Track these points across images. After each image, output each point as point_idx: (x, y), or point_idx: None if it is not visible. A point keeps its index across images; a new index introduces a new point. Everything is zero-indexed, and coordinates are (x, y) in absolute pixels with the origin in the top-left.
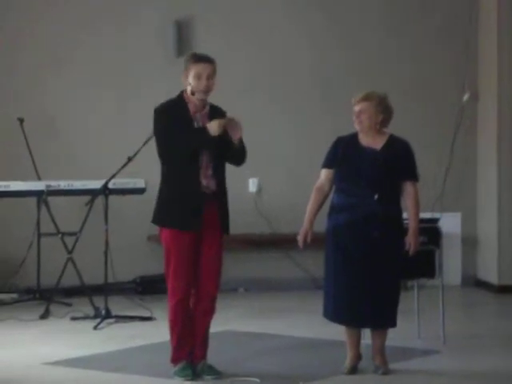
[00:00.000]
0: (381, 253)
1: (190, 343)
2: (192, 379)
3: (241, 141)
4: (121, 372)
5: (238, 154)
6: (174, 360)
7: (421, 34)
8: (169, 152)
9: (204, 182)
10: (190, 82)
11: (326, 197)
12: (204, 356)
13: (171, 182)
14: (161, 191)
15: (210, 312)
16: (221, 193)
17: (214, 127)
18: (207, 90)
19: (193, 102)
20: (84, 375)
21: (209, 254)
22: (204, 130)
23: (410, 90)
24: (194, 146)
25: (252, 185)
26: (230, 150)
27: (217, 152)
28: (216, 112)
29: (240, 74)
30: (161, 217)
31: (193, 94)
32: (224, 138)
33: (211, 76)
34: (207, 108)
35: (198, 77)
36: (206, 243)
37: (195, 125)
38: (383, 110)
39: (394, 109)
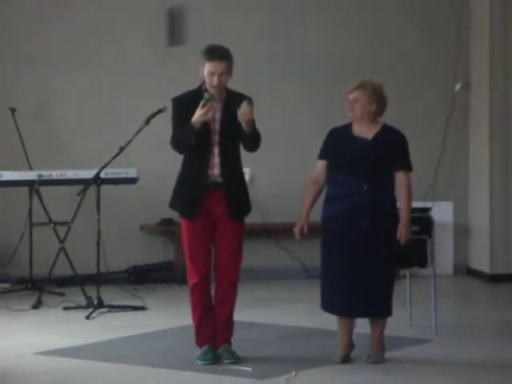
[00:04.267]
0: (372, 242)
1: (212, 327)
2: (210, 364)
3: (252, 127)
4: (113, 361)
5: (247, 140)
6: (198, 343)
7: (413, 26)
8: (171, 145)
9: (214, 171)
10: (203, 77)
11: (321, 188)
12: (225, 341)
13: (183, 169)
14: (177, 177)
15: (229, 297)
16: (229, 181)
17: (195, 118)
18: (219, 87)
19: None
20: (76, 365)
21: (224, 242)
22: (190, 124)
23: (402, 79)
24: (180, 141)
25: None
26: (242, 136)
27: (228, 140)
28: (233, 98)
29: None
30: (172, 201)
31: (205, 89)
32: (233, 124)
33: (224, 73)
34: (223, 98)
35: (210, 74)
36: (221, 231)
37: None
38: (377, 99)
39: (387, 98)
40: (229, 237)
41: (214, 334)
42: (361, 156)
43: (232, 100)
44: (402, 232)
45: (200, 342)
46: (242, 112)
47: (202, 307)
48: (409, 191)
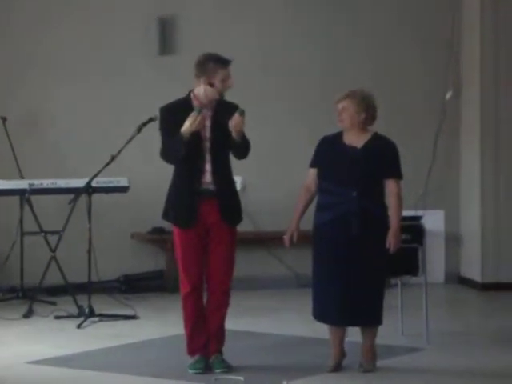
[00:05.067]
0: (362, 250)
1: (204, 336)
2: (202, 373)
3: (242, 136)
4: (105, 371)
5: (237, 148)
6: (189, 352)
7: (404, 33)
8: (161, 156)
9: (206, 178)
10: (215, 84)
11: (312, 196)
12: (217, 350)
13: (174, 179)
14: (169, 187)
15: (221, 306)
16: (222, 189)
17: (184, 128)
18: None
19: (199, 103)
20: (67, 374)
21: (217, 250)
22: (179, 135)
23: (393, 87)
24: (169, 152)
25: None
26: (232, 144)
27: (218, 147)
28: (223, 106)
29: None
30: (165, 212)
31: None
32: (224, 131)
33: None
34: (212, 106)
35: (225, 80)
36: (214, 239)
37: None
38: (365, 108)
39: (378, 107)
40: (221, 245)
41: (206, 343)
42: (350, 164)
43: (222, 107)
44: (391, 241)
45: (191, 351)
46: (234, 123)
47: (194, 316)
48: (399, 200)
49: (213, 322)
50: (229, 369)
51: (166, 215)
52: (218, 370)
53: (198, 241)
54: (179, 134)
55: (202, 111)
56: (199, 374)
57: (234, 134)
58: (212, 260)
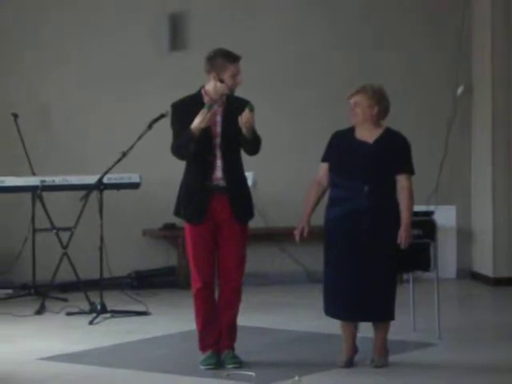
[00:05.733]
0: (373, 246)
1: (215, 332)
2: (214, 369)
3: (253, 131)
4: (116, 367)
5: (248, 144)
6: (201, 348)
7: (415, 28)
8: (171, 152)
9: (217, 174)
10: (225, 80)
11: (324, 191)
12: (229, 346)
13: (186, 175)
14: (180, 183)
15: (233, 302)
16: (232, 185)
17: (194, 124)
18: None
19: (210, 98)
20: (79, 370)
21: (228, 247)
22: (189, 130)
23: (404, 83)
24: (180, 148)
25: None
26: (242, 140)
27: (229, 143)
28: (233, 102)
29: None
30: (176, 208)
31: (206, 92)
32: (233, 127)
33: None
34: (223, 101)
35: (235, 75)
36: (225, 236)
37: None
38: (378, 101)
39: (389, 102)
40: (233, 241)
41: (218, 338)
42: (362, 159)
43: (232, 103)
44: (402, 236)
45: (203, 347)
46: (244, 119)
47: (206, 312)
48: (410, 195)
49: (224, 318)
50: (240, 364)
51: (177, 211)
52: (229, 366)
53: (209, 237)
54: (188, 129)
55: (212, 107)
56: (211, 369)
57: (244, 130)
58: (223, 256)
